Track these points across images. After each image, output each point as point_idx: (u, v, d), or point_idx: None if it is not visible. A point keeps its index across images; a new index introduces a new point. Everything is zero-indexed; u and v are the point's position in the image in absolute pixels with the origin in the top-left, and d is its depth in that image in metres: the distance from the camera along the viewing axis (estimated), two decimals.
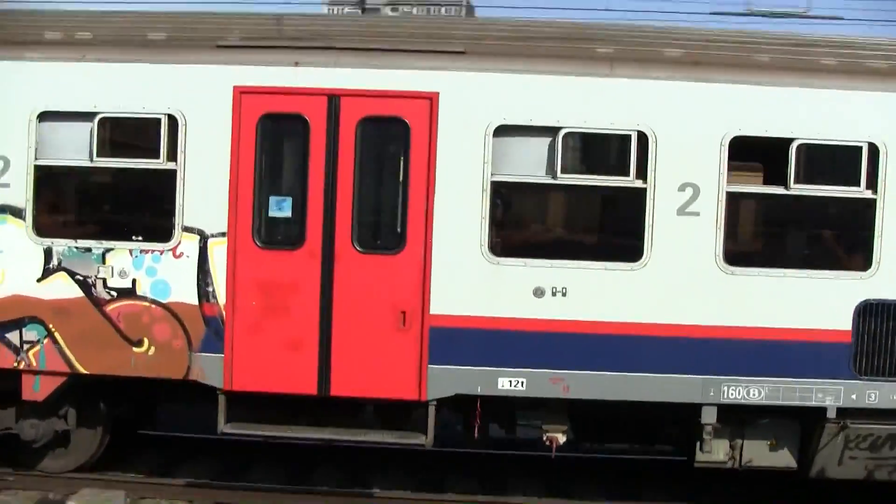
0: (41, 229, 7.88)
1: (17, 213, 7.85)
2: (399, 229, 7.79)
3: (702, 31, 8.48)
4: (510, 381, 7.77)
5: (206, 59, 7.78)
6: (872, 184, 7.67)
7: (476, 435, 8.16)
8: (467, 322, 7.76)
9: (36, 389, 8.01)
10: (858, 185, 7.70)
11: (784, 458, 8.24)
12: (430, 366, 7.75)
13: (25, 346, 7.89)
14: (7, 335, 7.89)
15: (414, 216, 7.73)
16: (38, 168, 7.84)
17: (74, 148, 7.85)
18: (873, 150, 7.65)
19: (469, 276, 7.72)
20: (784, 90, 7.71)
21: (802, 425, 8.15)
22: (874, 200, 7.65)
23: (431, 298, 7.73)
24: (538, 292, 7.72)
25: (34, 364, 7.89)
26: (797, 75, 7.77)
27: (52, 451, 8.70)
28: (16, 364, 7.90)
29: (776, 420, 8.11)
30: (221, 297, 7.79)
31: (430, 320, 7.73)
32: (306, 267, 7.77)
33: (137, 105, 7.77)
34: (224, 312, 7.79)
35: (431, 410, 7.83)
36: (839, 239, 7.97)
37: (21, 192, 7.84)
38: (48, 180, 7.92)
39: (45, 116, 7.82)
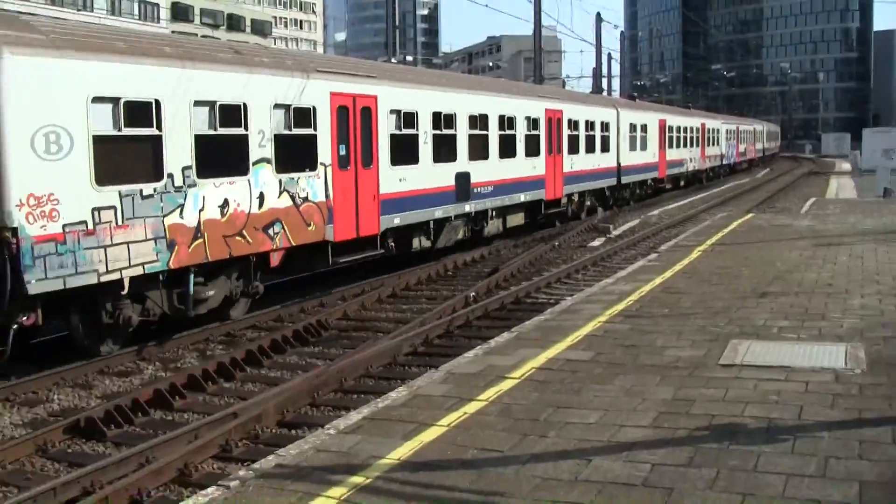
0: (278, 169, 14.21)
1: (269, 161, 14.01)
2: (371, 156, 16.99)
3: None
4: (396, 219, 18.01)
5: (319, 77, 15.30)
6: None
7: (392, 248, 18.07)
8: (387, 196, 17.61)
9: (275, 258, 14.40)
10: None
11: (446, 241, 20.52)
12: (381, 216, 17.37)
13: (273, 235, 14.22)
14: (268, 231, 14.06)
15: (375, 150, 17.08)
16: (275, 136, 14.12)
17: (281, 123, 14.40)
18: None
19: (387, 175, 17.55)
20: None
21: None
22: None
23: (380, 186, 17.29)
24: (399, 180, 18.10)
25: (277, 244, 14.31)
26: None
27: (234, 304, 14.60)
28: (272, 246, 14.18)
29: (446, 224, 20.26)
30: (332, 197, 15.69)
31: (380, 196, 17.31)
32: (350, 177, 16.32)
33: (302, 100, 14.83)
34: (333, 205, 15.72)
35: (378, 239, 17.44)
36: (449, 148, 20.42)
37: (270, 150, 14.01)
38: (278, 142, 14.22)
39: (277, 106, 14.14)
